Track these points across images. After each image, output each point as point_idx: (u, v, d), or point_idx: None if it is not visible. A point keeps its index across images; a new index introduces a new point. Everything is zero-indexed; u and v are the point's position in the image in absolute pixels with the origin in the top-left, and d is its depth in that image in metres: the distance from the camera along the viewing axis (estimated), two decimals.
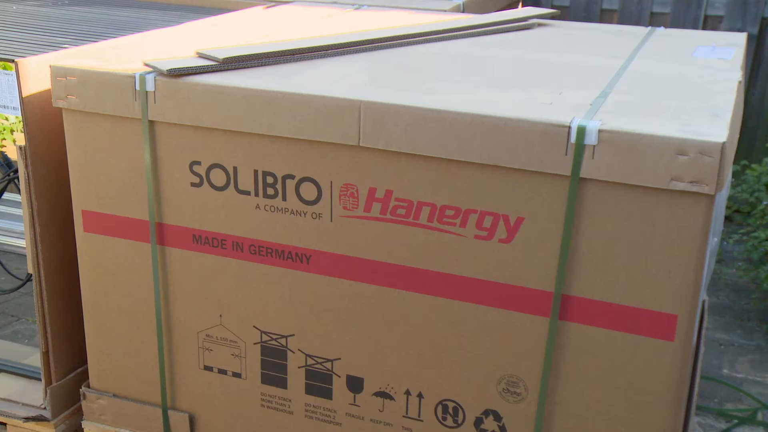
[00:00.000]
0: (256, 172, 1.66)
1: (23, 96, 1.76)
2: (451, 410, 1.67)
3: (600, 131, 1.39)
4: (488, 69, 1.82)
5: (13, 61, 1.77)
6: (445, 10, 2.62)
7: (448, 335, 1.62)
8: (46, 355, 1.96)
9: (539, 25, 2.33)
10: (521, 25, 2.27)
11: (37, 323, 1.94)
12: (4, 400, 2.06)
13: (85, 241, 1.87)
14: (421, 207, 1.56)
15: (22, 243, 3.01)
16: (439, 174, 1.52)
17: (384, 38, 2.02)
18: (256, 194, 1.67)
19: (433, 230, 1.56)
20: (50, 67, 1.73)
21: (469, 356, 1.62)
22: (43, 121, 1.81)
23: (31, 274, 1.91)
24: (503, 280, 1.54)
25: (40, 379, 2.02)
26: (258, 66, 1.77)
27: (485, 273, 1.55)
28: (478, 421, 1.66)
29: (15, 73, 1.76)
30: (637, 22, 4.23)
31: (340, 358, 1.73)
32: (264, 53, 1.81)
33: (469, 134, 1.47)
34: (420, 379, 1.68)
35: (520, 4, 3.76)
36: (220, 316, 1.80)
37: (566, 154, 1.42)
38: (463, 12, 2.74)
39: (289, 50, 1.85)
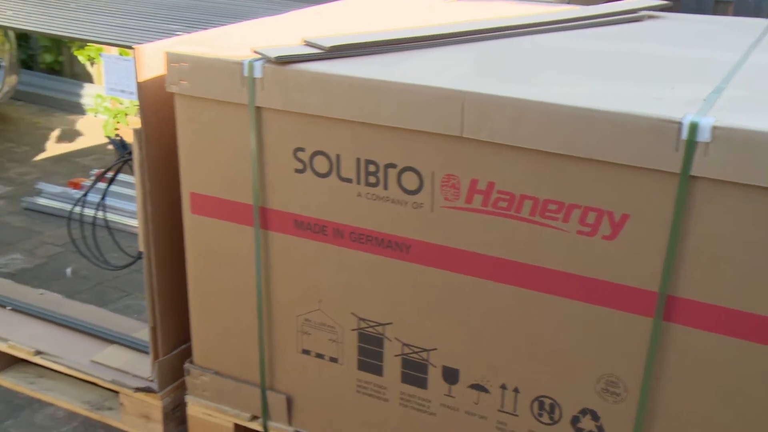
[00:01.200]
0: (358, 160, 1.68)
1: (139, 81, 1.83)
2: (547, 407, 1.66)
3: (714, 128, 1.34)
4: (595, 61, 1.78)
5: (131, 47, 1.84)
6: (550, 1, 2.58)
7: (546, 330, 1.60)
8: (153, 330, 2.04)
9: (649, 17, 2.26)
10: (630, 17, 2.21)
11: (146, 300, 2.02)
12: (117, 370, 2.17)
13: (192, 223, 1.93)
14: (523, 200, 1.54)
15: (133, 222, 3.14)
16: (542, 167, 1.50)
17: (488, 29, 2.00)
18: (358, 182, 1.69)
19: (534, 224, 1.55)
20: (165, 53, 1.79)
21: (567, 353, 1.59)
22: (157, 105, 1.87)
23: (142, 252, 1.99)
24: (605, 277, 1.51)
25: (148, 353, 2.11)
26: (363, 55, 1.78)
27: (587, 269, 1.53)
28: (574, 420, 1.64)
29: (133, 59, 1.83)
30: (754, 14, 4.05)
31: (436, 349, 1.73)
32: (369, 42, 1.83)
33: (575, 128, 1.44)
34: (516, 374, 1.66)
35: None
36: (320, 301, 1.83)
37: (676, 151, 1.37)
38: (568, 3, 2.68)
39: (393, 40, 1.86)
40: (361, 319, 1.80)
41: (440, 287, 1.68)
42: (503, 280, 1.61)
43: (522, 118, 1.48)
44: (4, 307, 2.49)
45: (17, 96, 4.91)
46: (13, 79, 4.51)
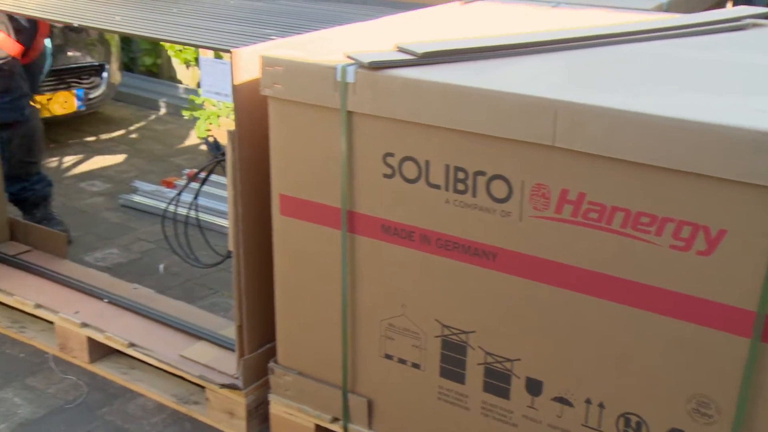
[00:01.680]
0: (447, 166, 1.67)
1: (235, 83, 1.87)
2: (633, 424, 1.61)
3: None
4: (695, 71, 1.73)
5: (228, 51, 1.88)
6: (648, 9, 2.51)
7: (634, 346, 1.56)
8: (240, 328, 2.08)
9: (754, 25, 2.18)
10: (733, 26, 2.14)
11: (234, 298, 2.07)
12: (204, 366, 2.22)
13: (280, 224, 1.96)
14: (615, 212, 1.51)
15: (223, 222, 3.22)
16: (636, 179, 1.47)
17: (583, 37, 1.97)
18: (447, 189, 1.69)
19: (625, 237, 1.51)
20: (260, 57, 1.82)
21: (656, 370, 1.55)
22: (251, 108, 1.91)
23: (231, 252, 2.03)
24: (699, 294, 1.47)
25: (233, 350, 2.15)
26: (456, 61, 1.77)
27: (680, 285, 1.48)
28: None
29: (229, 62, 1.87)
30: None
31: (520, 359, 1.71)
32: (461, 49, 1.82)
33: (672, 139, 1.40)
34: (602, 389, 1.63)
35: (730, 3, 3.54)
36: (404, 306, 1.84)
37: None
38: (666, 11, 2.61)
39: (486, 47, 1.85)
40: (444, 326, 1.79)
41: (526, 297, 1.66)
42: (591, 293, 1.58)
43: (617, 128, 1.45)
44: (101, 299, 2.58)
45: (118, 97, 5.10)
46: (116, 80, 4.68)
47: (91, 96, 4.50)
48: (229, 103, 1.95)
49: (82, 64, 4.41)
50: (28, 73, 3.25)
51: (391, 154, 1.74)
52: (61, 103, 4.32)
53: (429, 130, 1.67)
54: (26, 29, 3.16)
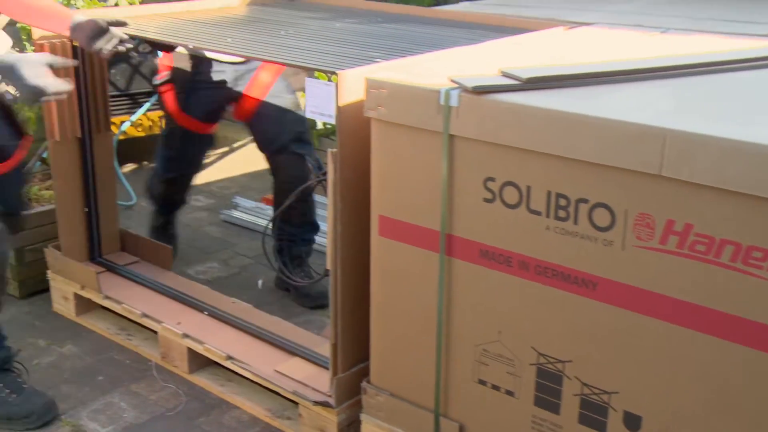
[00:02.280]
0: (549, 193, 1.66)
1: (339, 105, 1.91)
2: None
3: None
4: None
5: (334, 73, 1.92)
6: (761, 36, 2.43)
7: (743, 385, 1.50)
8: (334, 347, 2.11)
9: None
10: None
11: (330, 316, 2.10)
12: (298, 382, 2.25)
13: (378, 245, 1.98)
14: (724, 245, 1.46)
15: (321, 240, 3.27)
16: (748, 211, 1.42)
17: (692, 64, 1.92)
18: (548, 215, 1.67)
19: (735, 271, 1.46)
20: (365, 79, 1.85)
21: (767, 412, 1.48)
22: (353, 129, 1.94)
23: (329, 271, 2.06)
24: None
25: (327, 368, 2.18)
26: (560, 87, 1.76)
27: None
28: None
29: (333, 84, 1.91)
30: None
31: (618, 392, 1.67)
32: (566, 75, 1.81)
33: None
34: (706, 428, 1.57)
35: None
36: (499, 332, 1.82)
37: None
38: None
39: (591, 73, 1.83)
40: (540, 354, 1.77)
41: (627, 328, 1.62)
42: (697, 328, 1.52)
43: (728, 158, 1.41)
44: (202, 311, 2.66)
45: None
46: None
47: None
48: (331, 123, 1.99)
49: None
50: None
51: (492, 179, 1.74)
52: None
53: (531, 155, 1.66)
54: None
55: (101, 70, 2.82)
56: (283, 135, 2.93)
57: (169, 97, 3.03)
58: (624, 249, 1.58)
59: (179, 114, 3.04)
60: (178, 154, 3.19)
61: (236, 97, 2.96)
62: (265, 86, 2.94)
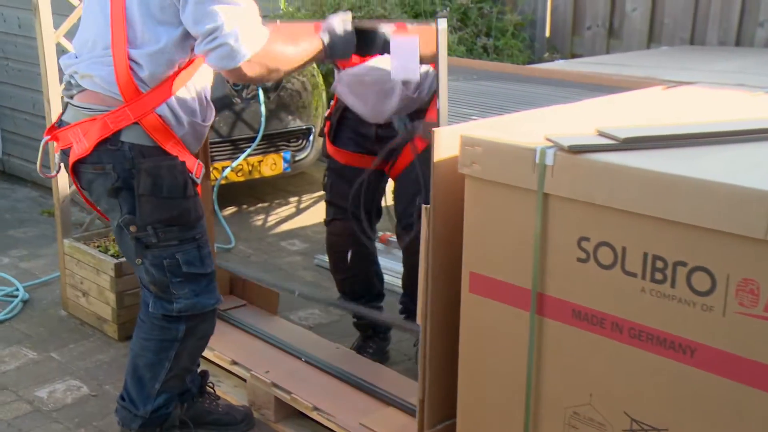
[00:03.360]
0: (645, 254, 1.62)
1: (435, 160, 1.93)
2: None
3: None
4: None
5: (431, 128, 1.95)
6: None
7: None
8: (422, 402, 2.09)
9: None
10: None
11: (419, 372, 2.09)
12: None
13: (469, 301, 1.97)
14: None
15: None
16: None
17: None
18: (643, 277, 1.63)
19: None
20: (461, 136, 1.87)
21: None
22: (447, 185, 1.96)
23: (419, 325, 2.06)
24: None
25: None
26: (658, 148, 1.74)
27: None
28: None
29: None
30: None
31: None
32: (664, 135, 1.78)
33: None
34: None
35: None
36: (591, 395, 1.78)
37: None
38: None
39: (690, 134, 1.80)
40: (633, 420, 1.71)
41: (727, 398, 1.56)
42: None
43: None
44: (299, 358, 2.69)
45: (321, 160, 5.37)
46: (320, 143, 4.95)
47: (297, 158, 4.76)
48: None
49: (290, 128, 4.69)
50: None
51: (586, 239, 1.72)
52: (270, 165, 4.60)
53: (627, 216, 1.63)
54: None
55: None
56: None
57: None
58: (725, 315, 1.53)
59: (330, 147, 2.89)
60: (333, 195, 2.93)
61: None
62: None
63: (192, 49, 2.16)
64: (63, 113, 2.29)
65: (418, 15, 4.79)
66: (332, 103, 2.91)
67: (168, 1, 2.08)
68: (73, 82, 2.24)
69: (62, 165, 2.32)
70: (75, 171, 2.23)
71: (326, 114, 2.95)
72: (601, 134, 1.80)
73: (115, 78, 2.12)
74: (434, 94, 2.32)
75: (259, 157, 4.53)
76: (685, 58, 3.55)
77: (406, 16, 4.72)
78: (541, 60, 4.72)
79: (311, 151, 4.82)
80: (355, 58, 2.49)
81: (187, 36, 2.11)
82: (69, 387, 2.87)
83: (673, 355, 1.62)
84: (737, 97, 2.35)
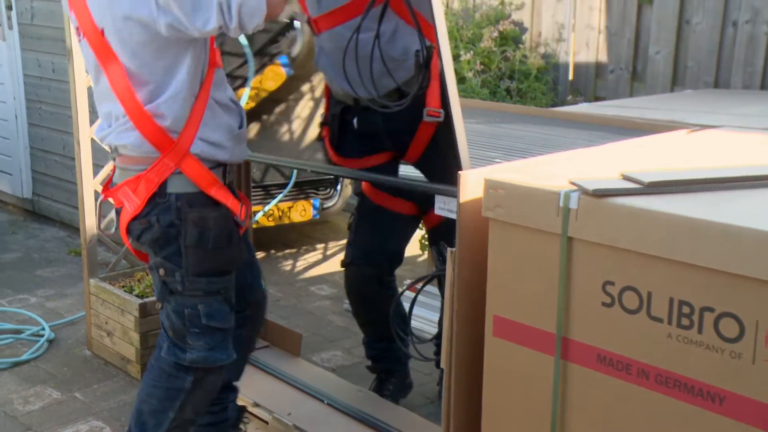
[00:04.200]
0: (671, 299, 1.61)
1: (460, 202, 1.93)
2: None
3: None
4: None
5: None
6: None
7: None
8: None
9: None
10: None
11: (442, 414, 2.07)
12: None
13: (492, 345, 1.96)
14: None
15: (430, 329, 3.26)
16: None
17: None
18: (669, 322, 1.62)
19: None
20: (484, 179, 1.88)
21: None
22: (472, 228, 1.96)
23: (443, 369, 2.05)
24: None
25: None
26: (683, 192, 1.73)
27: None
28: None
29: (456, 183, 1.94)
30: None
31: None
32: (689, 180, 1.78)
33: None
34: None
35: None
36: None
37: None
38: None
39: (716, 178, 1.79)
40: None
41: None
42: None
43: None
44: (321, 400, 2.68)
45: (348, 208, 5.40)
46: (347, 192, 4.99)
47: (326, 206, 4.83)
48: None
49: (320, 177, 4.75)
50: None
51: (611, 283, 1.70)
52: (300, 211, 4.67)
53: (653, 260, 1.62)
54: None
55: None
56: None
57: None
58: (754, 362, 1.50)
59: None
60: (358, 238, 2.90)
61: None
62: None
63: (202, 72, 2.14)
64: (113, 174, 2.31)
65: None
66: (324, 102, 2.77)
67: (142, 36, 2.02)
68: (111, 147, 2.26)
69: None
70: (128, 229, 2.24)
71: (322, 117, 2.80)
72: (626, 178, 1.80)
73: (144, 139, 2.14)
74: (429, 66, 2.26)
75: (289, 203, 4.59)
76: (709, 101, 3.54)
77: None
78: (564, 103, 4.73)
79: (339, 199, 4.88)
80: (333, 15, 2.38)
81: (189, 63, 2.08)
82: (92, 428, 2.88)
83: (702, 403, 1.59)
84: (763, 141, 2.34)
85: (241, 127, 2.28)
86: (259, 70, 4.58)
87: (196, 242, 2.17)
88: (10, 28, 5.09)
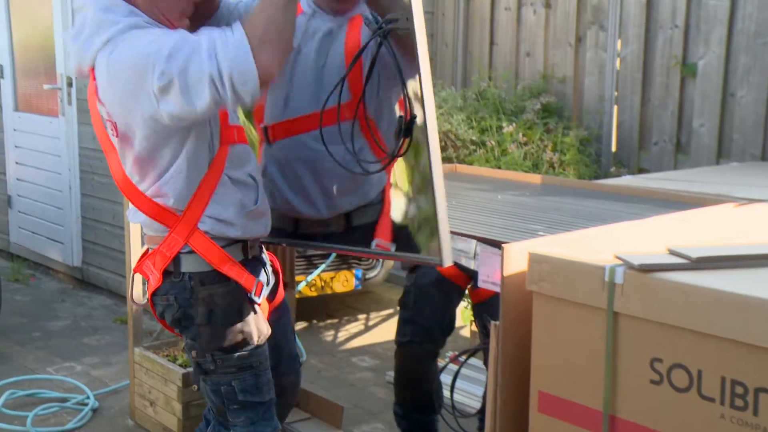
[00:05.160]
0: (723, 378, 1.57)
1: (504, 276, 1.93)
2: None
3: None
4: None
5: (500, 244, 1.96)
6: None
7: None
8: None
9: None
10: None
11: None
12: None
13: (537, 422, 1.92)
14: None
15: (473, 403, 3.21)
16: None
17: None
18: (722, 403, 1.58)
19: None
20: (529, 253, 1.87)
21: None
22: (517, 302, 1.95)
23: None
24: None
25: None
26: (732, 267, 1.71)
27: None
28: None
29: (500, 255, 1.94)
30: None
31: None
32: (739, 255, 1.75)
33: None
34: None
35: None
36: None
37: None
38: None
39: (765, 254, 1.76)
40: None
41: None
42: None
43: None
44: None
45: (389, 278, 5.42)
46: (390, 263, 5.00)
47: (368, 276, 4.84)
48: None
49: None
50: None
51: (659, 360, 1.67)
52: (342, 281, 4.70)
53: (702, 338, 1.59)
54: None
55: None
56: None
57: None
58: None
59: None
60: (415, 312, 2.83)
61: None
62: None
63: (211, 149, 2.15)
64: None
65: (484, 130, 4.88)
66: None
67: (146, 130, 2.04)
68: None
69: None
70: (152, 303, 2.28)
71: None
72: (672, 253, 1.78)
73: (151, 219, 2.18)
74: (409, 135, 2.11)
75: (331, 274, 4.62)
76: (756, 174, 3.51)
77: (472, 131, 4.81)
78: (607, 175, 4.72)
79: (381, 270, 4.90)
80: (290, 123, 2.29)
81: (192, 142, 2.10)
82: None
83: None
84: None
85: (257, 203, 2.25)
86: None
87: (206, 320, 2.18)
88: (70, 103, 5.28)
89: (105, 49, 2.05)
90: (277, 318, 2.44)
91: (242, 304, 2.22)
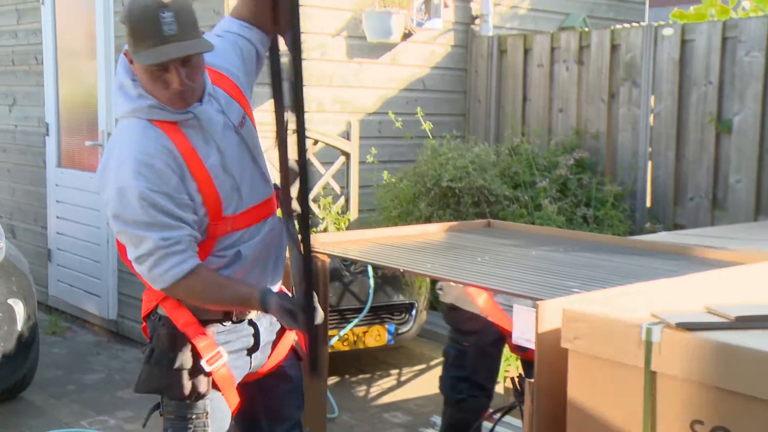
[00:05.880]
0: None
1: (539, 333, 1.91)
2: None
3: None
4: None
5: (534, 300, 1.95)
6: None
7: None
8: None
9: None
10: None
11: None
12: None
13: None
14: None
15: None
16: None
17: None
18: None
19: None
20: (564, 311, 1.86)
21: None
22: (552, 359, 1.93)
23: None
24: None
25: None
26: None
27: None
28: None
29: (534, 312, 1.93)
30: None
31: None
32: None
33: None
34: None
35: None
36: None
37: None
38: None
39: None
40: None
41: None
42: None
43: None
44: None
45: (422, 333, 5.38)
46: (422, 318, 4.98)
47: (400, 331, 4.82)
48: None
49: (395, 302, 4.78)
50: None
51: (700, 422, 1.64)
52: (375, 336, 4.67)
53: (744, 400, 1.56)
54: None
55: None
56: None
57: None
58: None
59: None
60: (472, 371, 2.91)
61: None
62: None
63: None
64: None
65: (518, 185, 4.89)
66: None
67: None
68: None
69: None
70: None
71: None
72: (711, 311, 1.76)
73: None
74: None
75: (364, 328, 4.61)
76: None
77: (506, 187, 4.82)
78: (642, 230, 4.69)
79: (413, 325, 4.88)
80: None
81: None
82: None
83: None
84: None
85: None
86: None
87: (146, 358, 2.23)
88: None
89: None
90: (272, 385, 2.39)
91: (176, 355, 2.18)
